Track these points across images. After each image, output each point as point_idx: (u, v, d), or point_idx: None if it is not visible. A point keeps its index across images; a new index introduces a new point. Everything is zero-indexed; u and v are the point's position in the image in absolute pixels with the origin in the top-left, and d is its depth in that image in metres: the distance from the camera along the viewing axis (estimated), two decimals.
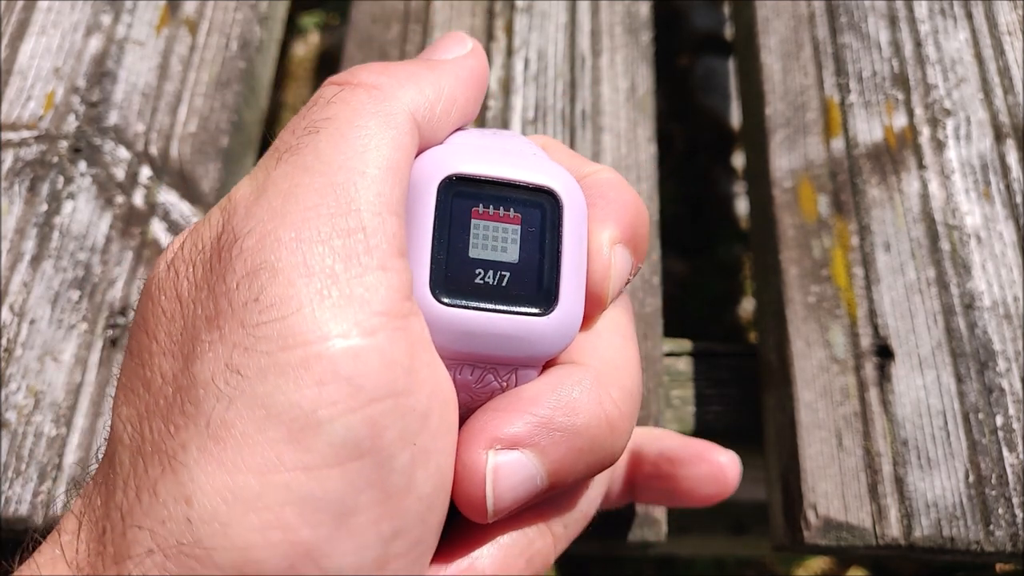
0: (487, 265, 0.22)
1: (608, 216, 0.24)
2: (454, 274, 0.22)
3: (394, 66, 0.24)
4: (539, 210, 0.23)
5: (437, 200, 0.22)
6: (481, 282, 0.22)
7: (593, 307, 0.24)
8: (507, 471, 0.22)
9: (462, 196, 0.22)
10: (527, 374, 0.23)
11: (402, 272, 0.21)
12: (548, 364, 0.24)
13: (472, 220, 0.22)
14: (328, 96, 0.22)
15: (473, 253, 0.22)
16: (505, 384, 0.23)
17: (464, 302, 0.22)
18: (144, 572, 0.18)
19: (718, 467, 0.32)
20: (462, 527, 0.24)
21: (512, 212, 0.23)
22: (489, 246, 0.22)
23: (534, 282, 0.23)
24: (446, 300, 0.22)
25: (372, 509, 0.19)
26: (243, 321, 0.19)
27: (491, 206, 0.23)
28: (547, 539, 0.25)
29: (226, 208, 0.21)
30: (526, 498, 0.22)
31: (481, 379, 0.23)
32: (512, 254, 0.23)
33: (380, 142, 0.21)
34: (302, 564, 0.18)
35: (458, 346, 0.22)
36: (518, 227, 0.23)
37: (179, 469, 0.18)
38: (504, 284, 0.22)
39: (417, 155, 0.23)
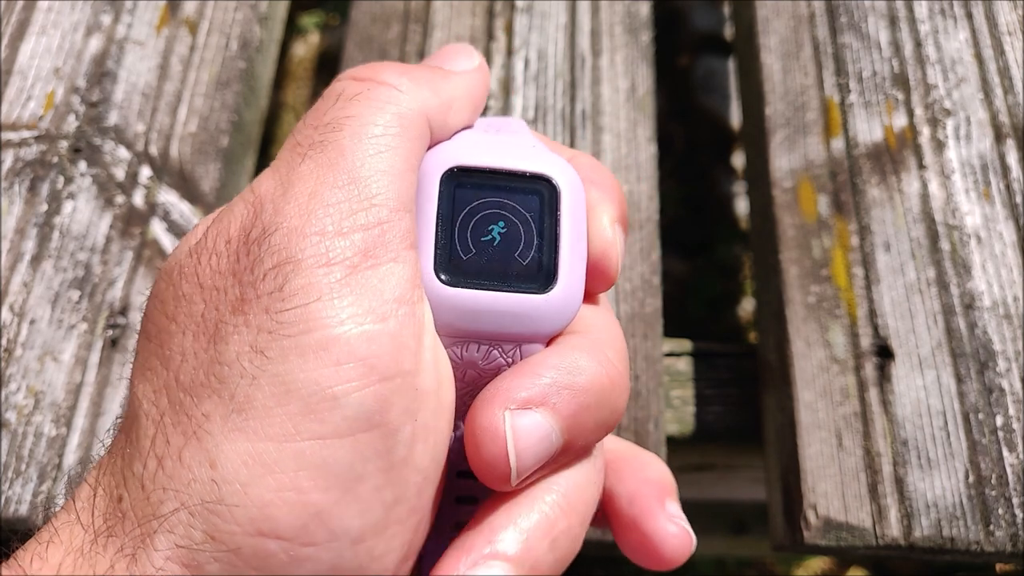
0: (487, 248, 0.24)
1: (604, 198, 0.26)
2: (456, 258, 0.24)
3: (412, 69, 0.25)
4: (537, 196, 0.24)
5: (440, 191, 0.24)
6: (482, 264, 0.24)
7: (600, 283, 0.26)
8: (525, 430, 0.23)
9: (463, 186, 0.24)
10: (531, 348, 0.24)
11: (412, 263, 0.22)
12: (551, 341, 0.25)
13: (472, 207, 0.24)
14: (350, 93, 0.24)
15: (474, 238, 0.24)
16: (511, 360, 0.24)
17: (467, 282, 0.23)
18: (170, 528, 0.20)
19: (650, 540, 0.27)
20: (483, 515, 0.24)
21: (510, 199, 0.24)
22: (489, 231, 0.24)
23: (534, 263, 0.24)
24: (449, 281, 0.23)
25: (376, 477, 0.21)
26: (267, 308, 0.21)
27: (490, 194, 0.24)
28: (571, 519, 0.25)
29: (252, 203, 0.23)
30: (544, 457, 0.23)
31: (487, 355, 0.24)
32: (512, 237, 0.24)
33: (399, 142, 0.23)
34: (313, 524, 0.20)
35: (462, 324, 0.23)
36: (516, 212, 0.24)
37: (204, 436, 0.20)
38: (504, 265, 0.24)
39: None
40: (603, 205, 0.26)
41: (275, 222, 0.22)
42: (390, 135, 0.23)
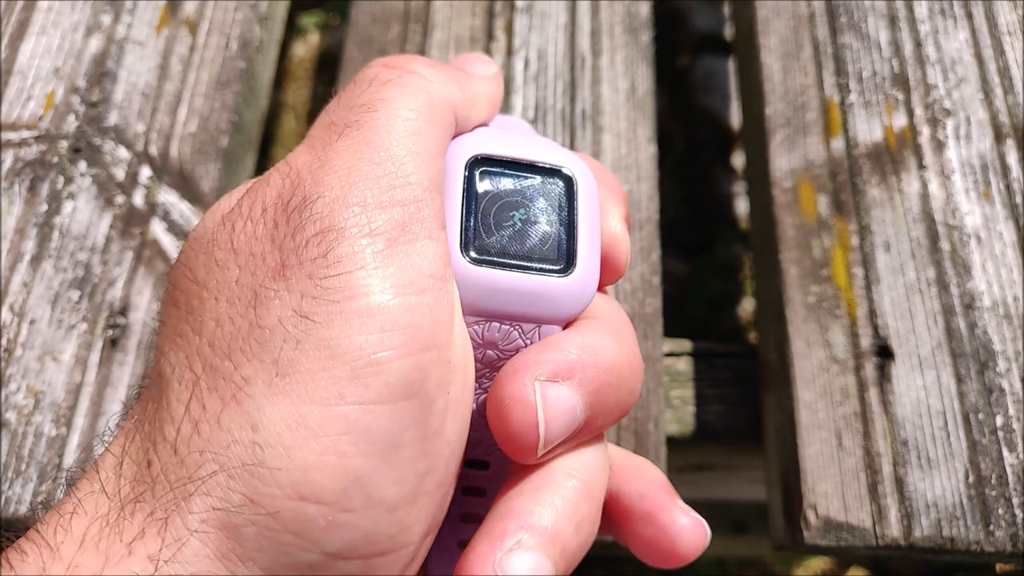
0: (509, 231, 0.25)
1: (610, 197, 0.28)
2: (480, 239, 0.25)
3: (439, 64, 0.26)
4: (554, 186, 0.26)
5: (465, 176, 0.25)
6: (505, 246, 0.25)
7: (611, 276, 0.27)
8: (553, 401, 0.23)
9: (486, 173, 0.25)
10: (549, 330, 0.25)
11: (444, 242, 0.23)
12: (567, 325, 0.26)
13: (495, 194, 0.25)
14: (383, 79, 0.25)
15: (496, 222, 0.25)
16: (529, 340, 0.25)
17: (492, 261, 0.24)
18: (207, 491, 0.20)
19: (666, 534, 0.26)
20: (504, 502, 0.24)
21: (532, 187, 0.26)
22: (511, 216, 0.25)
23: (553, 247, 0.25)
24: (476, 260, 0.24)
25: (413, 446, 0.21)
26: (311, 274, 0.21)
27: (512, 182, 0.25)
28: (592, 505, 0.25)
29: (288, 174, 0.23)
30: (568, 431, 0.24)
31: (508, 336, 0.25)
32: (532, 222, 0.25)
33: (430, 127, 0.24)
34: (352, 489, 0.20)
35: (485, 302, 0.24)
36: (536, 200, 0.25)
37: (244, 400, 0.20)
38: (525, 248, 0.25)
39: None
40: (611, 203, 0.27)
41: (316, 191, 0.22)
42: (422, 120, 0.24)
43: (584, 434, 0.24)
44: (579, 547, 0.24)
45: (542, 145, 0.27)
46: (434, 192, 0.23)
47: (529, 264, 0.25)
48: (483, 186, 0.25)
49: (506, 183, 0.25)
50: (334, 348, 0.20)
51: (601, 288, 0.27)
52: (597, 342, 0.25)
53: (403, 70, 0.25)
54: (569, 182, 0.26)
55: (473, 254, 0.24)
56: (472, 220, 0.25)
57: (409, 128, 0.23)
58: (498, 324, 0.25)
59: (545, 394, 0.23)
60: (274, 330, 0.21)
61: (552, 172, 0.26)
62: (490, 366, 0.25)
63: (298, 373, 0.20)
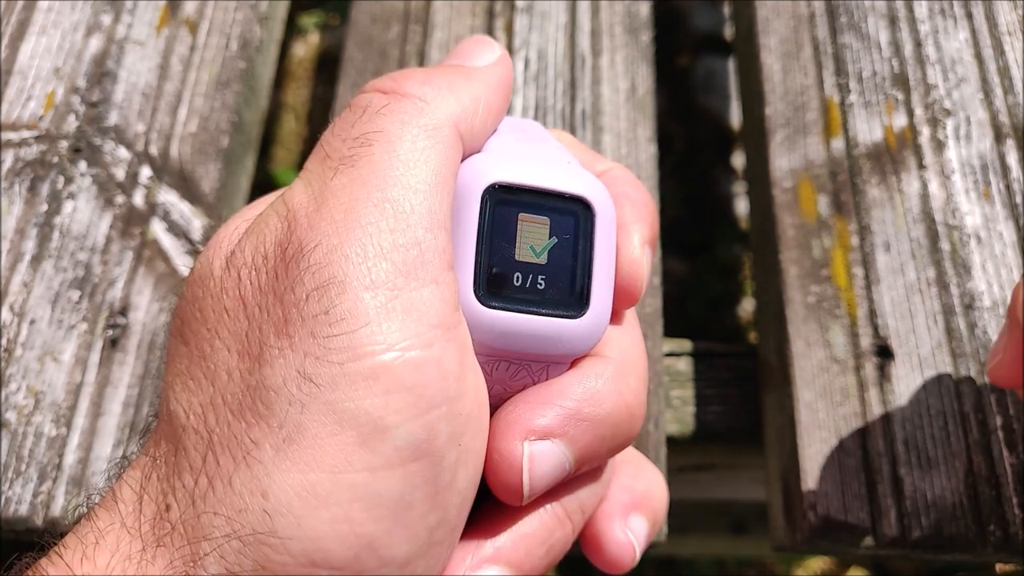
0: (526, 269, 0.24)
1: (636, 217, 0.26)
2: (496, 278, 0.24)
3: (435, 76, 0.25)
4: (574, 218, 0.25)
5: (481, 208, 0.24)
6: (520, 286, 0.24)
7: (625, 303, 0.26)
8: (540, 460, 0.24)
9: (504, 204, 0.24)
10: (558, 368, 0.25)
11: (451, 284, 0.22)
12: (576, 360, 0.25)
13: (513, 227, 0.24)
14: (377, 106, 0.24)
15: (512, 258, 0.24)
16: (537, 379, 0.25)
17: (505, 305, 0.24)
18: (221, 555, 0.20)
19: (599, 540, 0.27)
20: (485, 516, 0.25)
21: (549, 219, 0.24)
22: (528, 251, 0.24)
23: (568, 286, 0.24)
24: (489, 303, 0.23)
25: (423, 503, 0.21)
26: (313, 332, 0.21)
27: (531, 213, 0.24)
28: (567, 528, 0.26)
29: (285, 217, 0.22)
30: (556, 481, 0.24)
31: (516, 374, 0.25)
32: (549, 259, 0.24)
33: (430, 157, 0.23)
34: (365, 554, 0.20)
35: (497, 345, 0.24)
36: (555, 234, 0.24)
37: (254, 464, 0.20)
38: (541, 288, 0.24)
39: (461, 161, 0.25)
40: (635, 224, 0.26)
41: (311, 238, 0.21)
42: (418, 149, 0.23)
43: (572, 476, 0.25)
44: (548, 565, 0.25)
45: (562, 167, 0.25)
46: (437, 229, 0.22)
47: (543, 306, 0.24)
48: (500, 219, 0.24)
49: (524, 216, 0.24)
50: (340, 413, 0.20)
51: (617, 314, 0.26)
52: (596, 391, 0.24)
53: (397, 95, 0.24)
54: (588, 213, 0.25)
55: (487, 296, 0.23)
56: (487, 258, 0.24)
57: (406, 162, 0.22)
58: (507, 364, 0.24)
59: (532, 456, 0.23)
60: (279, 392, 0.20)
61: (571, 201, 0.25)
62: (498, 398, 0.25)
63: (305, 439, 0.20)
